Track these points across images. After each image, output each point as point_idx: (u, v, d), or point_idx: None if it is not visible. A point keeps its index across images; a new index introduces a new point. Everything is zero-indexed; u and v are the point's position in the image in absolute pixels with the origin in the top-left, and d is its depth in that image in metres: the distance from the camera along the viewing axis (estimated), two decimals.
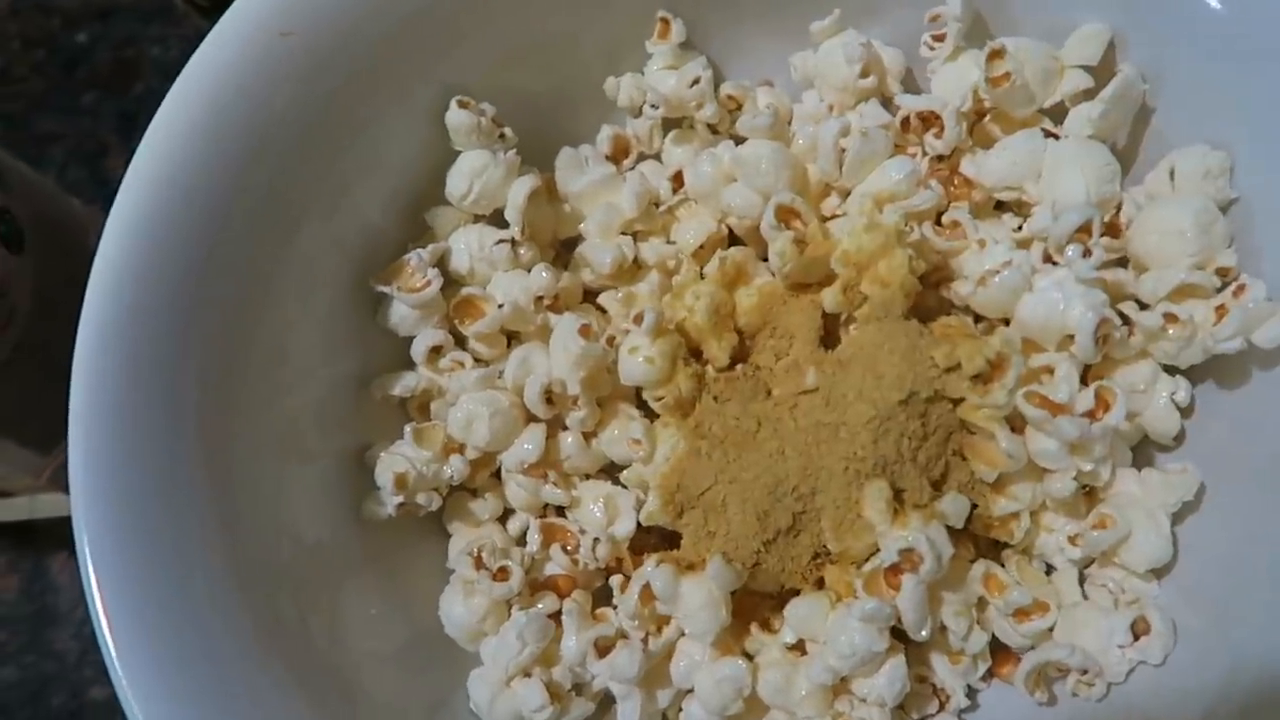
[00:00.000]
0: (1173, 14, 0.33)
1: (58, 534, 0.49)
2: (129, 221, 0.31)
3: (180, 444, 0.32)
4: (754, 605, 0.36)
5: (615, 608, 0.36)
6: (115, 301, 0.31)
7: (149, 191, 0.32)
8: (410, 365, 0.39)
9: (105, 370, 0.31)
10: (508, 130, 0.39)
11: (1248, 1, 0.32)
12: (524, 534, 0.38)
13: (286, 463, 0.36)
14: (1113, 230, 0.35)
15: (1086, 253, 0.32)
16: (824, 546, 0.33)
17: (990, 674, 0.36)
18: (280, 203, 0.35)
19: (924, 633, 0.32)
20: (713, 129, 0.41)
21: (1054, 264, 0.34)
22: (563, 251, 0.42)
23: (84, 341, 0.31)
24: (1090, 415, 0.32)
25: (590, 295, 0.40)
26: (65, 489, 0.31)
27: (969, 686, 0.35)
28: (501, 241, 0.38)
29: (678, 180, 0.41)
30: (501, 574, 0.35)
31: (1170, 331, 0.32)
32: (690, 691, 0.35)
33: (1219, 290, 0.33)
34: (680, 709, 0.36)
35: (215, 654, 0.31)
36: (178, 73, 0.32)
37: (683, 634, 0.34)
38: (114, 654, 0.29)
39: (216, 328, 0.33)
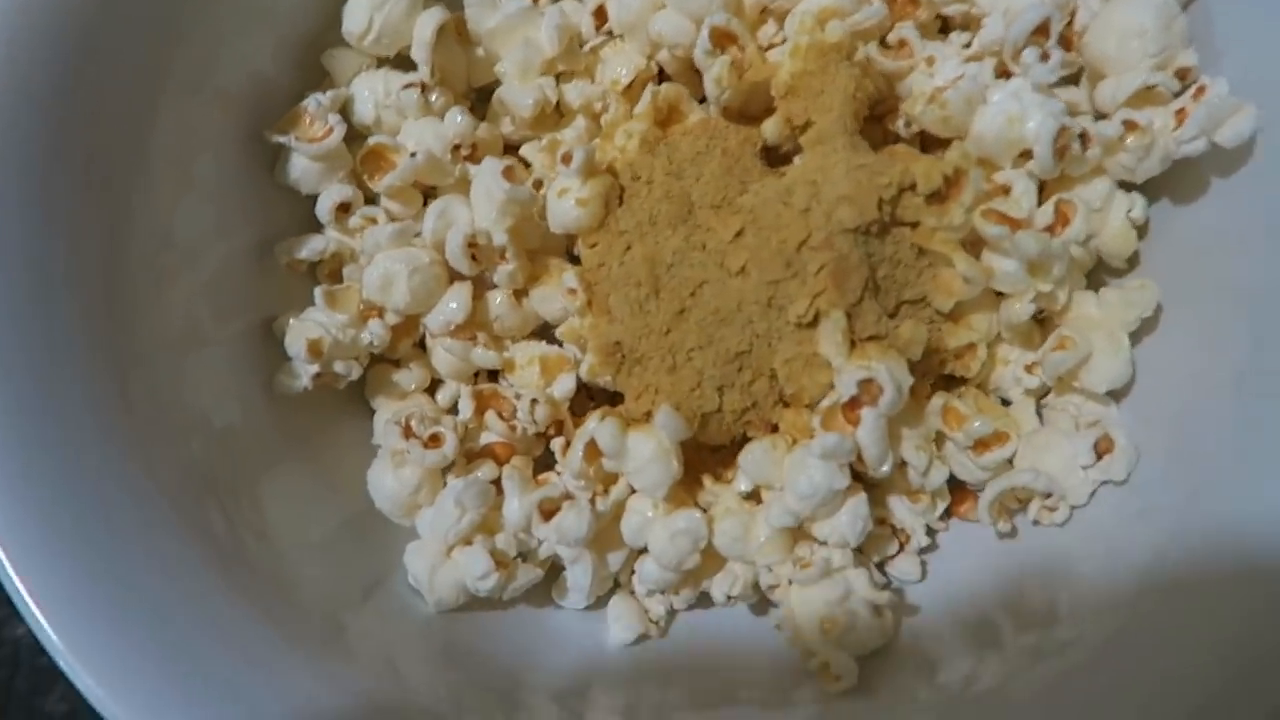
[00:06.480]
0: None
1: None
2: None
3: (62, 352, 0.29)
4: (702, 460, 0.34)
5: (558, 472, 0.34)
6: None
7: None
8: (316, 227, 0.35)
9: None
10: None
11: None
12: (455, 403, 0.36)
13: (186, 353, 0.33)
14: (1065, 43, 0.33)
15: (1044, 57, 0.30)
16: (776, 390, 0.32)
17: (948, 513, 0.35)
18: (138, 64, 0.31)
19: (885, 468, 0.30)
20: None
21: (1008, 78, 0.32)
22: (478, 104, 0.38)
23: None
24: (1050, 230, 0.30)
25: (511, 148, 0.37)
26: None
27: (928, 526, 0.34)
28: (410, 85, 0.35)
29: (600, 17, 0.37)
30: (433, 441, 0.33)
31: (1129, 141, 0.31)
32: (643, 551, 0.33)
33: (1177, 95, 0.31)
34: (633, 571, 0.34)
35: (135, 568, 0.28)
36: None
37: (632, 491, 0.32)
38: (21, 589, 0.26)
39: (85, 218, 0.29)
